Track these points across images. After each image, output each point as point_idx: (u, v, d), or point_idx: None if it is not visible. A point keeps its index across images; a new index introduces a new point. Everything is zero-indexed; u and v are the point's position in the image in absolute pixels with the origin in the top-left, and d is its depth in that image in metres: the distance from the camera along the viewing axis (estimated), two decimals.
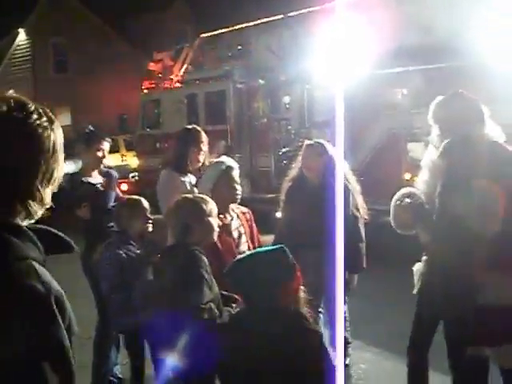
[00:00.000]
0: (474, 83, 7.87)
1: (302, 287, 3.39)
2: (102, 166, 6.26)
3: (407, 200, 4.82)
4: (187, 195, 4.79)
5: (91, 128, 6.50)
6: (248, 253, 4.03)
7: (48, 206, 1.85)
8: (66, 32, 33.49)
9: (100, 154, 6.16)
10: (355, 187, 6.10)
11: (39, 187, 1.79)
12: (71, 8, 33.77)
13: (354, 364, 6.08)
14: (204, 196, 4.47)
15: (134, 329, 4.85)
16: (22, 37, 36.31)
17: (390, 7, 11.46)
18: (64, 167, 1.88)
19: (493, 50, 9.05)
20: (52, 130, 1.82)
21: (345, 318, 6.08)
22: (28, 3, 33.30)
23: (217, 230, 4.36)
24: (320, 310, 5.80)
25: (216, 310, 3.99)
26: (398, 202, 4.89)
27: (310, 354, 3.17)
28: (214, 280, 4.08)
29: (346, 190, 5.74)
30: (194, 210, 4.26)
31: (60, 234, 1.85)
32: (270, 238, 5.66)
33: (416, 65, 10.29)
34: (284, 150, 13.22)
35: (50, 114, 1.85)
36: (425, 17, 10.81)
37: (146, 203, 5.17)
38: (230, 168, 5.10)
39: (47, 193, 1.83)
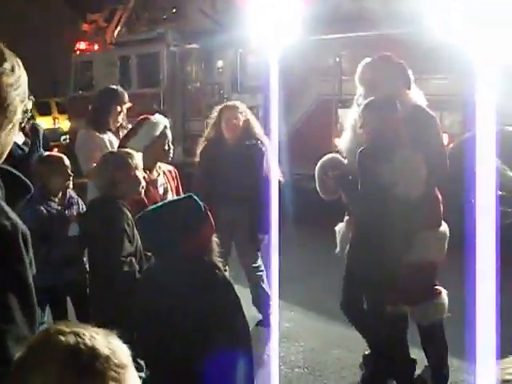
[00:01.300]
0: (407, 51, 7.94)
1: (215, 238, 3.29)
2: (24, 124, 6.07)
3: (331, 171, 4.92)
4: (113, 150, 4.73)
5: None
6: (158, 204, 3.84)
7: (4, 156, 1.75)
8: None
9: None
10: (270, 149, 6.12)
11: None
12: None
13: (278, 323, 6.13)
14: (130, 150, 4.44)
15: (56, 285, 4.79)
16: None
17: None
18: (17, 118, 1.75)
19: (427, 19, 9.12)
20: (16, 77, 1.69)
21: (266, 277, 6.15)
22: None
23: (143, 183, 4.35)
24: None
25: (136, 265, 3.98)
26: (322, 171, 4.98)
27: (222, 306, 3.11)
28: (137, 234, 4.06)
29: (260, 152, 5.84)
30: (121, 164, 4.25)
31: (19, 174, 1.77)
32: None
33: (349, 32, 10.33)
34: None
35: (18, 60, 1.72)
36: None
37: (67, 161, 5.07)
38: (166, 127, 5.07)
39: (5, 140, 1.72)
